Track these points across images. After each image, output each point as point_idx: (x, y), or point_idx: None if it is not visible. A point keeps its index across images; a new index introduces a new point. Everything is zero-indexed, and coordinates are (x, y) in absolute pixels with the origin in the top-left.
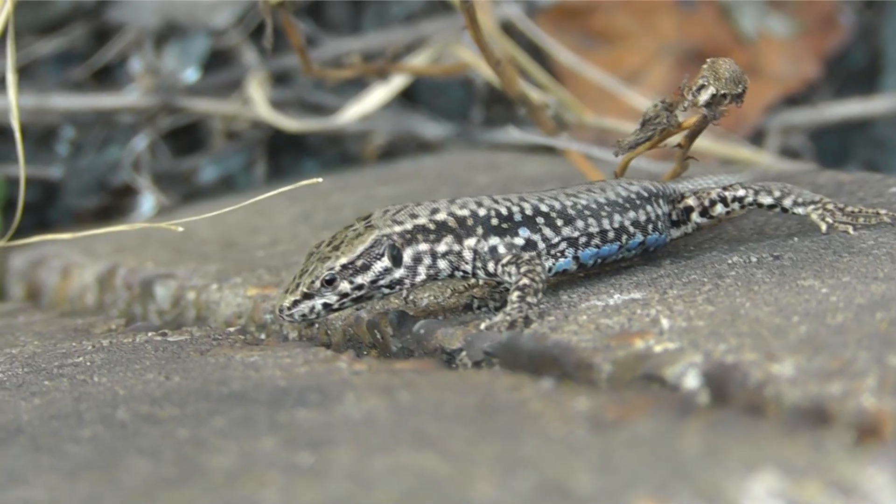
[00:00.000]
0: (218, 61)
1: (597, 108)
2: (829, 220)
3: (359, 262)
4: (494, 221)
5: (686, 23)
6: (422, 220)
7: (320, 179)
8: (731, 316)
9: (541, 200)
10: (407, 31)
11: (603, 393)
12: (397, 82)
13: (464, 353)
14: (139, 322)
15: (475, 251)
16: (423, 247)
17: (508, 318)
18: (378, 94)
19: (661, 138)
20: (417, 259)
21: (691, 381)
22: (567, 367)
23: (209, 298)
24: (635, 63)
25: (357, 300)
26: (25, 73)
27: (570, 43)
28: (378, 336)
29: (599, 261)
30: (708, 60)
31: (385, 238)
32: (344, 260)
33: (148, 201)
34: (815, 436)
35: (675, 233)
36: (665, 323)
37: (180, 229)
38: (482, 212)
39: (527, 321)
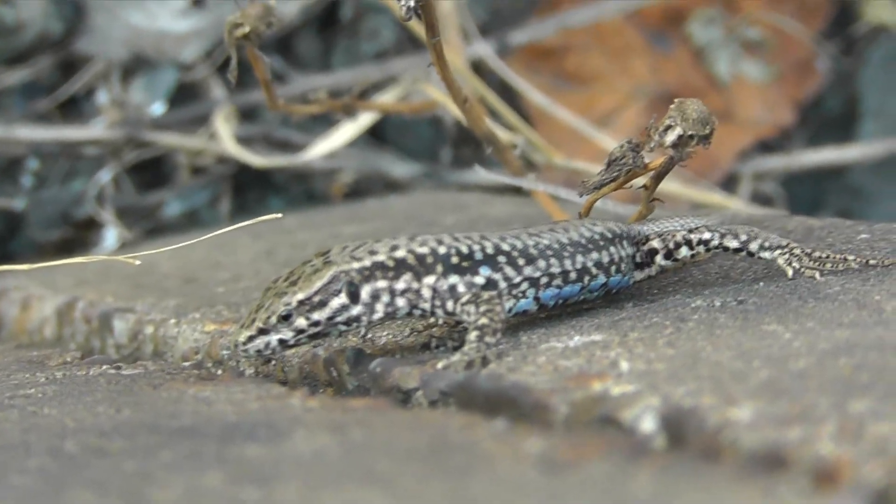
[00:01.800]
0: (185, 95)
1: (567, 149)
2: (796, 265)
3: (316, 299)
4: (455, 260)
5: (660, 65)
6: (381, 257)
7: (280, 215)
8: (692, 360)
9: (502, 239)
10: (377, 68)
11: (557, 435)
12: (364, 119)
13: (420, 392)
14: (96, 356)
15: (434, 289)
16: (382, 284)
17: (466, 357)
18: (345, 132)
19: (626, 179)
20: (375, 296)
21: (648, 424)
22: (523, 408)
23: (167, 333)
24: (608, 105)
25: (313, 336)
26: None
27: (542, 84)
28: (334, 374)
29: (561, 301)
30: (676, 101)
31: (343, 274)
32: (301, 296)
33: (111, 235)
34: (770, 482)
35: (639, 275)
36: (624, 366)
37: (138, 262)
38: (442, 250)
39: (484, 361)
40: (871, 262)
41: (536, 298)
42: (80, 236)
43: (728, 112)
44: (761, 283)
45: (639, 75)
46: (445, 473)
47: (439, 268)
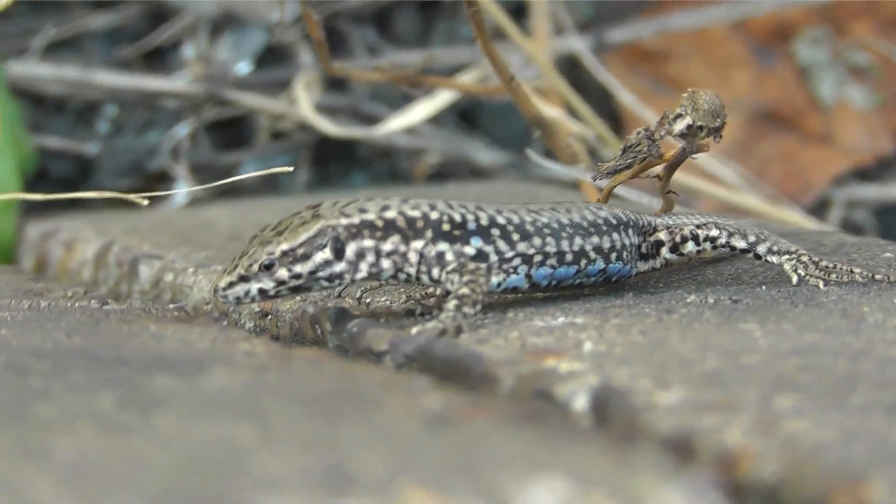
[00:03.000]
0: (272, 57)
1: None
2: (802, 271)
3: (300, 251)
4: (446, 227)
5: (762, 80)
6: (370, 216)
7: (291, 168)
8: (653, 347)
9: (498, 212)
10: (472, 51)
11: (467, 396)
12: (442, 98)
13: (388, 355)
14: (94, 293)
15: (421, 254)
16: (368, 243)
17: (440, 325)
18: (421, 109)
19: (641, 167)
20: (360, 255)
21: (580, 401)
22: (473, 377)
23: (184, 282)
24: None
25: (295, 289)
26: (72, 44)
27: (640, 86)
28: (318, 332)
29: (555, 283)
30: (689, 90)
31: (330, 229)
32: (285, 246)
33: (181, 189)
34: (628, 452)
35: (643, 266)
36: (588, 347)
37: (146, 203)
38: (434, 215)
39: (458, 330)
40: (877, 276)
41: (528, 276)
42: (150, 188)
43: (827, 135)
44: (764, 287)
45: (739, 88)
46: (326, 418)
47: (429, 233)
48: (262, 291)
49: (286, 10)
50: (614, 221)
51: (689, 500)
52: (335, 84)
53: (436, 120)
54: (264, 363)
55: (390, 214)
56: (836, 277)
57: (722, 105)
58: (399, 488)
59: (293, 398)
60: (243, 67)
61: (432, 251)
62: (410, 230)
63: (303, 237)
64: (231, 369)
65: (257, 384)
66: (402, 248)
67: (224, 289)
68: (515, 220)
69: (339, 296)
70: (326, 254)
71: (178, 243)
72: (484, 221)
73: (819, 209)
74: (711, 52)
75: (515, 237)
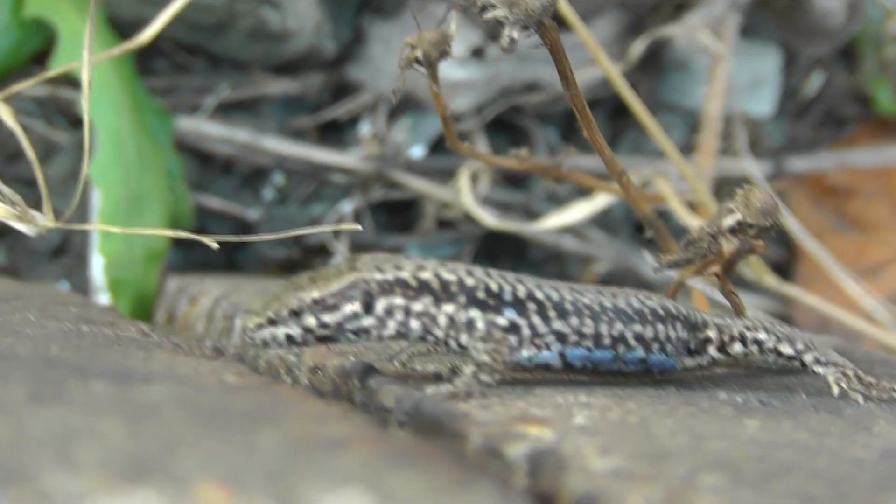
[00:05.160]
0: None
1: (813, 284)
2: (844, 385)
3: (330, 301)
4: (481, 295)
5: None
6: (404, 274)
7: (360, 227)
8: (633, 426)
9: (538, 287)
10: (655, 163)
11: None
12: (601, 200)
13: (393, 413)
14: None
15: (451, 319)
16: (399, 301)
17: (452, 388)
18: (581, 209)
19: (703, 263)
20: (389, 311)
21: (520, 459)
22: (446, 434)
23: None
24: (880, 256)
25: (322, 338)
26: (247, 107)
27: (820, 220)
28: (349, 387)
29: (590, 365)
30: (745, 187)
31: (363, 282)
32: (316, 294)
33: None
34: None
35: (689, 362)
36: (578, 421)
37: (215, 245)
38: (470, 281)
39: (468, 395)
40: None
41: (562, 355)
42: (306, 260)
43: None
44: (804, 396)
45: None
46: (208, 429)
47: (462, 298)
48: (288, 336)
49: (467, 98)
50: (661, 312)
51: None
52: (512, 180)
53: (609, 228)
54: (222, 388)
55: (425, 275)
56: (877, 394)
57: (776, 206)
58: (196, 483)
59: (202, 413)
60: (417, 151)
61: (463, 317)
62: (444, 293)
63: (334, 287)
64: (178, 388)
65: (186, 399)
66: (433, 310)
67: (253, 330)
68: (555, 296)
69: (391, 359)
70: (356, 306)
71: None
72: (521, 294)
73: None
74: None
75: (552, 314)
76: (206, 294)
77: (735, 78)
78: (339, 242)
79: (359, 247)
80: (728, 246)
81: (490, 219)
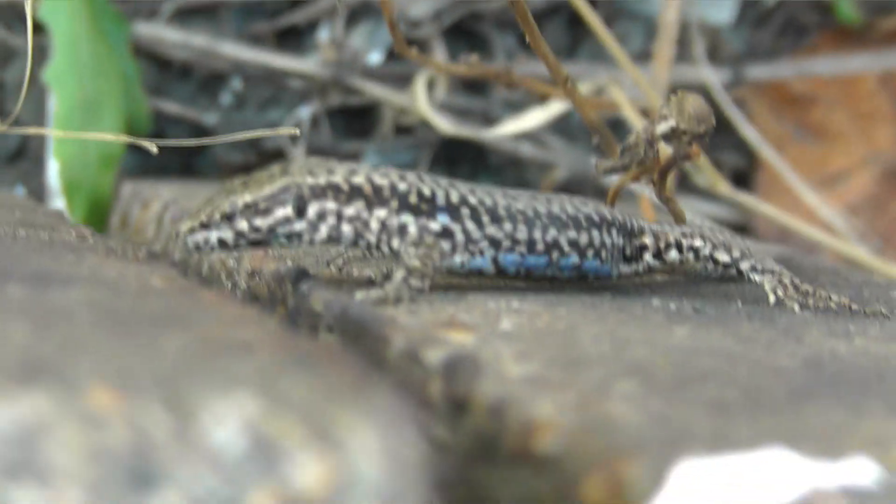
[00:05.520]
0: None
1: (772, 196)
2: (780, 293)
3: (262, 205)
4: (413, 200)
5: None
6: (336, 178)
7: (296, 130)
8: (560, 333)
9: (472, 192)
10: (612, 71)
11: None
12: (556, 107)
13: (322, 316)
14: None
15: (383, 223)
16: (331, 205)
17: (381, 293)
18: (535, 116)
19: (640, 170)
20: (321, 216)
21: (436, 364)
22: (370, 339)
23: None
24: (840, 166)
25: (254, 242)
26: (206, 13)
27: (780, 129)
28: (284, 292)
29: (524, 271)
30: (678, 93)
31: (294, 187)
32: (248, 198)
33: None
34: (397, 399)
35: (626, 269)
36: (504, 326)
37: (155, 149)
38: (402, 186)
39: (398, 301)
40: (854, 307)
41: (494, 260)
42: (262, 164)
43: None
44: (740, 303)
45: (880, 143)
46: (114, 332)
47: (394, 203)
48: (220, 240)
49: (425, 5)
50: (596, 219)
51: (382, 437)
52: (471, 87)
53: (568, 135)
54: (144, 291)
55: (357, 180)
56: (813, 303)
57: (709, 112)
58: (87, 385)
59: (114, 316)
60: (375, 57)
61: (395, 222)
62: (376, 198)
63: (267, 192)
64: (98, 291)
65: (101, 303)
66: (365, 214)
67: (185, 234)
68: (488, 202)
69: (327, 264)
70: (288, 210)
71: None
72: (454, 199)
73: None
74: (858, 103)
75: (485, 219)
76: (159, 198)
77: None
78: (297, 147)
79: (316, 151)
80: (663, 152)
81: (446, 125)
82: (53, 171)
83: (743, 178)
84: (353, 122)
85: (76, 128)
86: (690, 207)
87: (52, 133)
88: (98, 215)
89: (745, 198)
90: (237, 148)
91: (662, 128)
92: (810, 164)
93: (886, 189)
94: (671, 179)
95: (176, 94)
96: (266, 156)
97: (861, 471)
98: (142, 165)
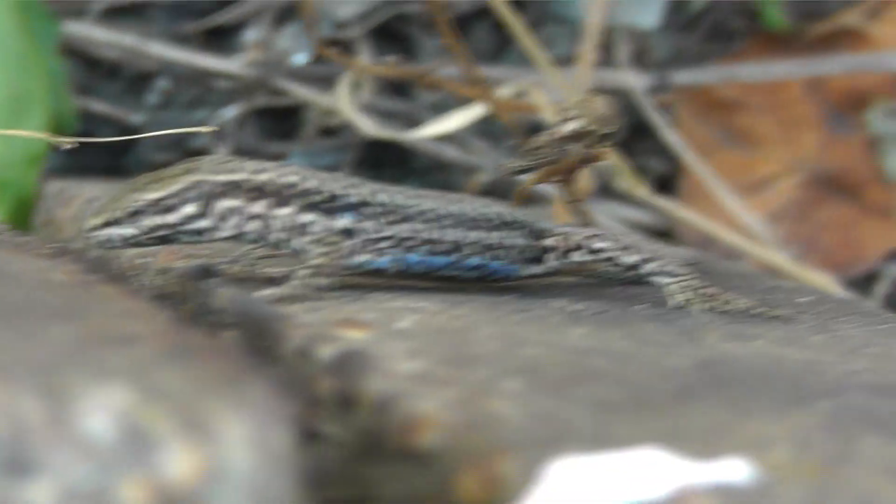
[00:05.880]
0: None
1: (696, 201)
2: (682, 297)
3: (167, 202)
4: (316, 198)
5: (830, 145)
6: (241, 176)
7: (215, 128)
8: (454, 332)
9: (374, 193)
10: (539, 75)
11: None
12: (477, 110)
13: (224, 314)
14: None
15: (287, 222)
16: (236, 203)
17: (283, 291)
18: (458, 118)
19: (549, 170)
20: (226, 214)
21: (326, 360)
22: (268, 336)
23: None
24: (766, 171)
25: (160, 239)
26: (133, 12)
27: (705, 135)
28: (188, 288)
29: (427, 270)
30: (586, 93)
31: (200, 184)
32: (153, 196)
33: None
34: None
35: (530, 270)
36: (401, 325)
37: (69, 145)
38: (307, 185)
39: (299, 299)
40: (753, 312)
41: (399, 259)
42: None
43: (886, 209)
44: (641, 305)
45: (806, 150)
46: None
47: (298, 202)
48: (124, 237)
49: (352, 7)
50: (501, 220)
51: (252, 429)
52: (398, 89)
53: (493, 138)
54: (43, 285)
55: (263, 178)
56: (717, 306)
57: (616, 115)
58: None
59: (7, 308)
60: (300, 58)
61: (299, 220)
62: (281, 196)
63: (173, 189)
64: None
65: None
66: (270, 212)
67: (90, 230)
68: (392, 201)
69: (235, 262)
70: (193, 208)
71: None
72: (354, 199)
73: (865, 282)
74: (784, 110)
75: (389, 219)
76: (81, 197)
77: None
78: (222, 147)
79: (241, 152)
80: (571, 153)
81: (369, 126)
82: None
83: (668, 183)
84: (280, 124)
85: (1, 126)
86: (613, 212)
87: None
88: (22, 213)
89: (664, 202)
90: (162, 147)
91: (568, 128)
92: (736, 170)
93: (811, 195)
94: (582, 181)
95: (104, 94)
96: (191, 155)
97: (734, 470)
98: (69, 164)
